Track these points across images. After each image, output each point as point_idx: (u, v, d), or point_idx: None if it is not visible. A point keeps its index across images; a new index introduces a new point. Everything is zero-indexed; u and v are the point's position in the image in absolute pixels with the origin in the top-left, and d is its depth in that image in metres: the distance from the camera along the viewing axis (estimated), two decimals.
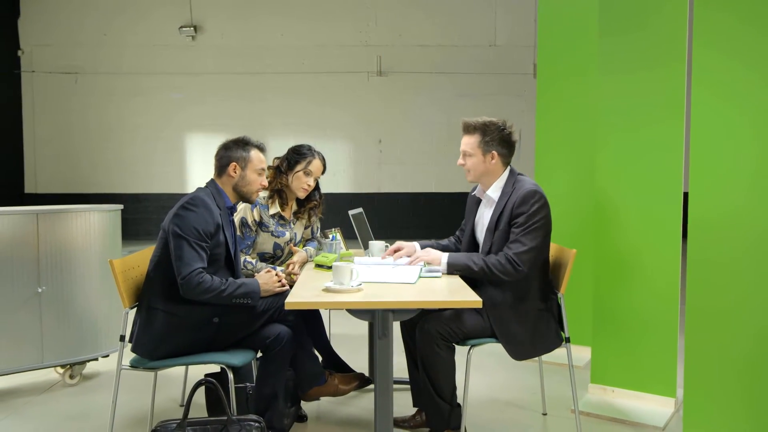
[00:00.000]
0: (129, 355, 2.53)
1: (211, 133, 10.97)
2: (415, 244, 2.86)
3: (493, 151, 2.68)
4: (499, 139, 2.69)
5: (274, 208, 3.06)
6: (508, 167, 2.76)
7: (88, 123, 10.97)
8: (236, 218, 2.93)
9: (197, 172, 11.01)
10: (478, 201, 2.83)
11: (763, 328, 2.45)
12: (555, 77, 4.08)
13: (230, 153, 2.63)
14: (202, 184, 2.66)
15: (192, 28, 10.84)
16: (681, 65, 2.97)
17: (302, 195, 3.10)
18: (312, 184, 3.09)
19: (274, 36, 10.96)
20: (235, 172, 2.61)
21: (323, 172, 3.14)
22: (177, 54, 10.95)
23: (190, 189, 10.95)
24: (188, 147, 11.11)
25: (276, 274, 2.59)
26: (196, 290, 2.35)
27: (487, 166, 2.70)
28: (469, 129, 2.71)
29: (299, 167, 3.05)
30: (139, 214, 10.56)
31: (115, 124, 10.95)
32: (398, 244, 2.83)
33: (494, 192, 2.72)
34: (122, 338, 2.43)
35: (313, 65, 10.95)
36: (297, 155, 3.07)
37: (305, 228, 3.22)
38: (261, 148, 2.69)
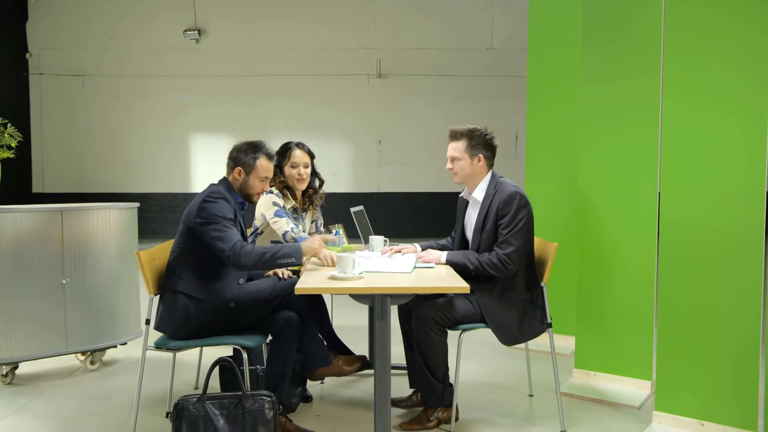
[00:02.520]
0: (152, 339, 2.77)
1: (215, 134, 11.23)
2: (416, 246, 3.12)
3: (479, 155, 2.96)
4: (483, 143, 2.97)
5: (289, 203, 3.33)
6: (491, 170, 3.02)
7: (94, 124, 11.22)
8: (270, 211, 3.20)
9: (201, 172, 11.26)
10: (467, 203, 3.10)
11: (727, 317, 2.70)
12: (544, 82, 4.35)
13: (239, 157, 2.85)
14: (215, 181, 2.90)
15: (196, 32, 11.08)
16: (656, 75, 3.22)
17: (301, 185, 3.36)
18: (303, 172, 3.34)
19: (277, 39, 11.20)
20: (239, 176, 2.84)
21: (313, 158, 3.41)
22: (181, 57, 11.19)
23: (194, 189, 11.27)
24: (192, 147, 11.36)
25: (320, 239, 2.79)
26: (243, 259, 2.58)
27: (473, 169, 2.98)
28: (456, 135, 2.99)
29: (285, 163, 3.35)
30: (145, 213, 10.76)
31: (121, 125, 11.20)
32: (400, 246, 3.09)
33: (479, 194, 2.99)
34: (147, 322, 2.68)
35: (314, 68, 11.19)
36: (280, 156, 3.36)
37: (312, 222, 3.49)
38: (269, 156, 2.89)
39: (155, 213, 11.09)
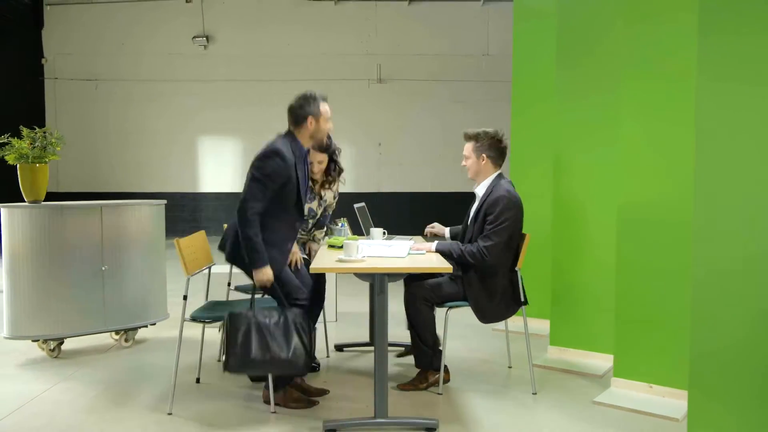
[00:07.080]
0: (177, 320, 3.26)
1: (222, 136, 11.74)
2: (446, 230, 3.71)
3: (483, 155, 3.44)
4: (489, 145, 3.45)
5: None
6: (498, 170, 3.49)
7: (107, 127, 11.72)
8: None
9: (209, 172, 11.76)
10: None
11: (669, 299, 3.19)
12: (528, 90, 4.91)
13: (306, 109, 3.14)
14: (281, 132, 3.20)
15: (204, 38, 11.58)
16: (619, 91, 3.71)
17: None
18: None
19: (281, 45, 11.68)
20: (312, 125, 3.18)
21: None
22: (190, 62, 11.69)
23: (203, 188, 11.78)
24: (201, 149, 11.86)
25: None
26: (243, 220, 2.91)
27: (479, 167, 3.46)
28: (467, 137, 3.51)
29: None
30: None
31: (133, 127, 11.70)
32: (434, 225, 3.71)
33: (481, 190, 3.48)
34: (185, 297, 3.17)
35: (317, 73, 11.61)
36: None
37: (322, 209, 3.78)
38: (325, 99, 3.22)
39: (165, 212, 11.56)
